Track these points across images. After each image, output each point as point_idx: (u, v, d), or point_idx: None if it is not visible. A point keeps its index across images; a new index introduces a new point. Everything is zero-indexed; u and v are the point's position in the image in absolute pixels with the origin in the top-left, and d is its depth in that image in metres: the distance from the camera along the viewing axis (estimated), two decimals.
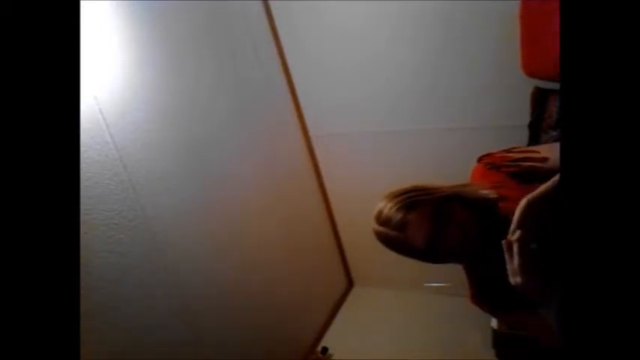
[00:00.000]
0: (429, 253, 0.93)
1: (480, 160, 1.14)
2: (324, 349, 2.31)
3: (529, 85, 1.54)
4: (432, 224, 0.91)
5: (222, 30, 1.86)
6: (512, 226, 0.85)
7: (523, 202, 0.86)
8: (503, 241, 0.84)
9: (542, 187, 0.90)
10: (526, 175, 1.02)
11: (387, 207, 0.95)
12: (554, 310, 0.84)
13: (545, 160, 1.02)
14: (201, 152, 1.72)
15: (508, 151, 1.11)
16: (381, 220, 0.95)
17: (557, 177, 0.91)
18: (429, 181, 1.01)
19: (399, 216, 0.92)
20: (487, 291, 1.06)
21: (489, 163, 1.10)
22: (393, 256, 0.99)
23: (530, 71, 1.47)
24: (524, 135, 1.64)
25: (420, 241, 0.91)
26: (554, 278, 0.80)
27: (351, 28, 1.93)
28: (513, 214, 0.86)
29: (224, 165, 1.83)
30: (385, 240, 0.96)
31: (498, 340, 1.81)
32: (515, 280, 0.84)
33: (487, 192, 1.00)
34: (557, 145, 1.06)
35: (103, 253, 1.34)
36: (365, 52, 1.96)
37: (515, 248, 0.83)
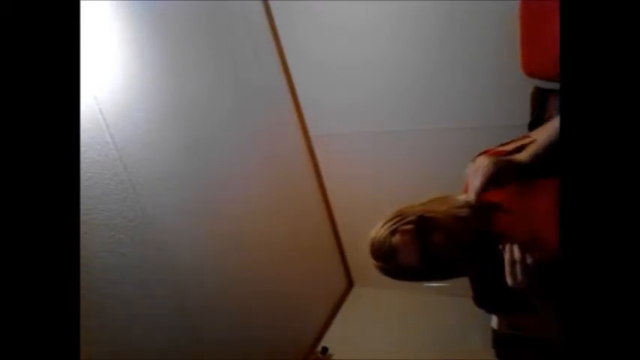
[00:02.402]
0: (429, 267, 0.94)
1: (474, 159, 1.13)
2: (324, 349, 2.31)
3: (529, 85, 1.54)
4: (417, 240, 0.92)
5: (222, 30, 1.86)
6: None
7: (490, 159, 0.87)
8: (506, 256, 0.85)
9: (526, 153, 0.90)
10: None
11: (374, 239, 0.97)
12: (553, 311, 0.84)
13: (532, 142, 1.01)
14: (201, 152, 1.72)
15: (501, 145, 1.10)
16: (374, 254, 0.97)
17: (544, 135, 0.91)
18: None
19: (385, 245, 0.95)
20: (486, 295, 1.07)
21: None
22: None
23: (530, 71, 1.47)
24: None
25: (414, 260, 0.93)
26: (549, 281, 0.80)
27: (351, 28, 1.93)
28: (506, 223, 0.87)
29: (224, 165, 1.83)
30: (387, 273, 0.98)
31: (498, 340, 1.80)
32: (511, 282, 0.84)
33: (464, 196, 1.00)
34: (548, 125, 1.05)
35: (103, 253, 1.34)
36: (365, 52, 1.96)
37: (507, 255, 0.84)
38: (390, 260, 0.95)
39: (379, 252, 0.96)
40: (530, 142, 1.01)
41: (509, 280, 0.85)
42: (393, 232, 0.95)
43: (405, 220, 0.95)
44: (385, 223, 0.98)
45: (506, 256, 0.85)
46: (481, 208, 0.97)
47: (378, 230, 0.97)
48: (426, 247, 0.92)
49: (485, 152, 1.11)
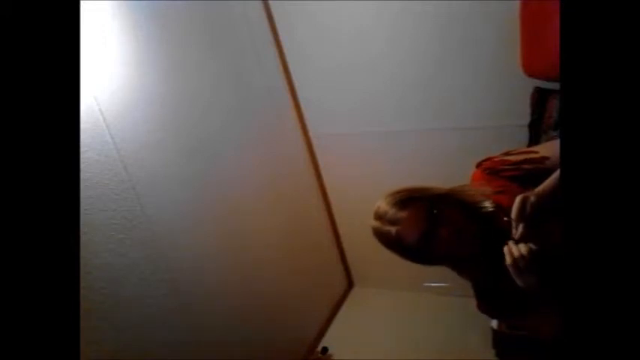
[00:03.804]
0: (422, 252, 0.93)
1: (478, 165, 1.12)
2: (324, 349, 2.31)
3: (529, 85, 1.54)
4: (425, 222, 0.91)
5: (223, 30, 1.86)
6: (513, 222, 0.85)
7: (518, 198, 0.86)
8: (505, 247, 0.84)
9: (541, 186, 0.90)
10: (527, 177, 1.02)
11: (383, 202, 0.96)
12: (554, 310, 0.84)
13: (545, 159, 1.02)
14: (201, 152, 1.72)
15: (506, 154, 1.10)
16: (377, 215, 0.96)
17: (555, 174, 0.91)
18: (429, 183, 1.01)
19: (392, 211, 0.93)
20: (486, 300, 1.06)
21: (488, 168, 1.08)
22: (393, 256, 0.99)
23: (530, 71, 1.47)
24: (524, 135, 1.64)
25: (413, 238, 0.91)
26: (553, 279, 0.80)
27: (351, 28, 1.93)
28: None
29: (224, 165, 1.83)
30: (379, 235, 0.96)
31: (498, 340, 1.81)
32: (518, 280, 0.84)
33: (485, 200, 0.99)
34: (554, 143, 1.05)
35: (103, 253, 1.34)
36: (365, 52, 1.96)
37: (515, 250, 0.83)
38: (391, 225, 0.93)
39: (384, 215, 0.94)
40: (539, 160, 1.01)
41: (516, 279, 0.84)
42: (405, 202, 0.93)
43: (422, 196, 0.94)
44: (403, 191, 0.96)
45: (507, 256, 0.85)
46: (501, 210, 0.96)
47: (393, 193, 0.96)
48: (430, 234, 0.90)
49: (488, 159, 1.11)
